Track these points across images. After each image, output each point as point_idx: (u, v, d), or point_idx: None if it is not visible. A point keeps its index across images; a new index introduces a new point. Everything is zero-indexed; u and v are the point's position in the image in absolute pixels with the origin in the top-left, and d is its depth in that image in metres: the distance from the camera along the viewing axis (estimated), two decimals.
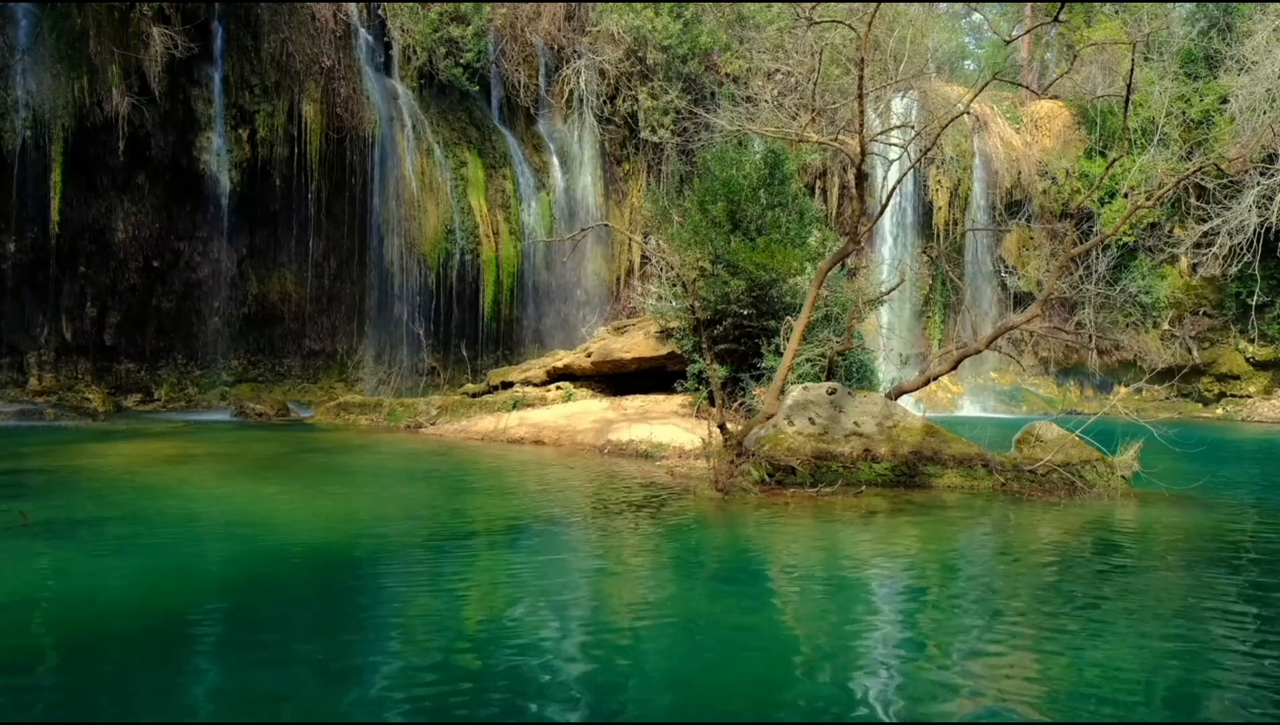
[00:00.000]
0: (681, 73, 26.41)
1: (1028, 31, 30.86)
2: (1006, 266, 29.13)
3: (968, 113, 25.80)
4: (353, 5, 23.97)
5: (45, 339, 21.47)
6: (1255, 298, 26.21)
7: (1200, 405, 27.89)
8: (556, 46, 26.60)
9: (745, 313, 16.10)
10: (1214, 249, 25.24)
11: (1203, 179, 24.64)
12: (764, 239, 16.28)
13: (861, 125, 10.84)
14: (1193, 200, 26.66)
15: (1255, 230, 24.66)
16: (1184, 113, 27.19)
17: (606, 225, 24.15)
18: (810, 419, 11.34)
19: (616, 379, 19.07)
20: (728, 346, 16.22)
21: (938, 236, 28.97)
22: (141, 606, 5.82)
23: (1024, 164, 28.73)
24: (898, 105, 27.52)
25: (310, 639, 5.36)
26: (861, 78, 10.56)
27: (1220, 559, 7.74)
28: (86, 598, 5.99)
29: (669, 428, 15.00)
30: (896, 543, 8.19)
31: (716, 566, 7.38)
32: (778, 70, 26.78)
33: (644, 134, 26.68)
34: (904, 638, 5.51)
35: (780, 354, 13.08)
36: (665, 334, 18.05)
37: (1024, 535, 8.78)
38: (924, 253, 28.35)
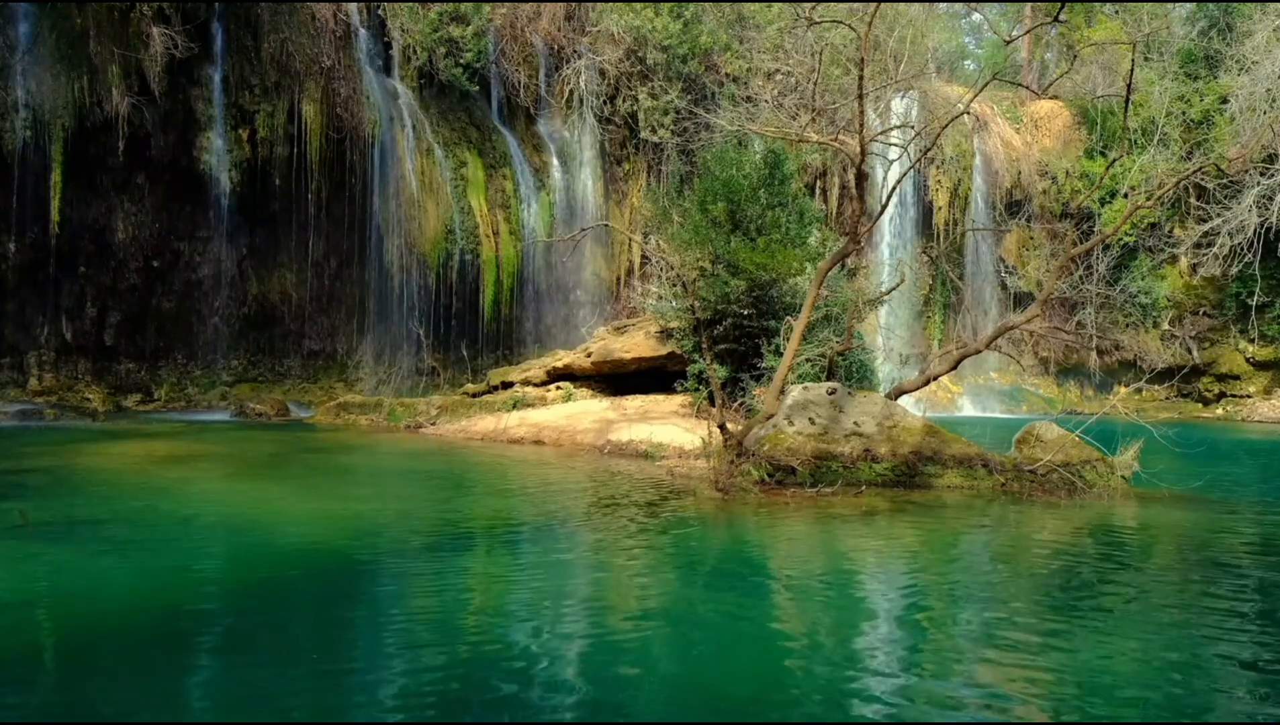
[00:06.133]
0: (681, 73, 26.39)
1: (1028, 31, 30.84)
2: (1006, 266, 29.12)
3: (968, 113, 25.79)
4: (353, 5, 23.96)
5: (45, 339, 21.47)
6: (1255, 298, 26.19)
7: (1200, 405, 27.87)
8: (556, 46, 26.58)
9: (745, 313, 16.09)
10: (1214, 249, 25.21)
11: (1203, 179, 24.63)
12: (764, 239, 16.27)
13: (861, 125, 10.84)
14: (1193, 200, 26.65)
15: (1255, 230, 24.64)
16: (1184, 113, 27.18)
17: (606, 225, 24.14)
18: (810, 419, 11.33)
19: (616, 379, 19.06)
20: (728, 346, 16.22)
21: (938, 236, 28.96)
22: (141, 606, 5.81)
23: (1024, 164, 28.73)
24: (898, 105, 27.51)
25: (309, 639, 5.36)
26: (861, 78, 10.56)
27: (1220, 559, 7.74)
28: (86, 598, 5.98)
29: (669, 428, 14.99)
30: (896, 543, 8.19)
31: (716, 566, 7.38)
32: (778, 70, 26.76)
33: (644, 134, 26.67)
34: (904, 638, 5.51)
35: (780, 354, 13.08)
36: (665, 334, 18.05)
37: (1024, 535, 8.78)
38: (924, 253, 28.34)
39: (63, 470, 11.52)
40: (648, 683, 4.66)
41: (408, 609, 5.87)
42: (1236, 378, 27.69)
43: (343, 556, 7.33)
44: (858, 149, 11.11)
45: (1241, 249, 25.00)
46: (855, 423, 11.32)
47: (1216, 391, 27.92)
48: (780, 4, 26.41)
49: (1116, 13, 31.21)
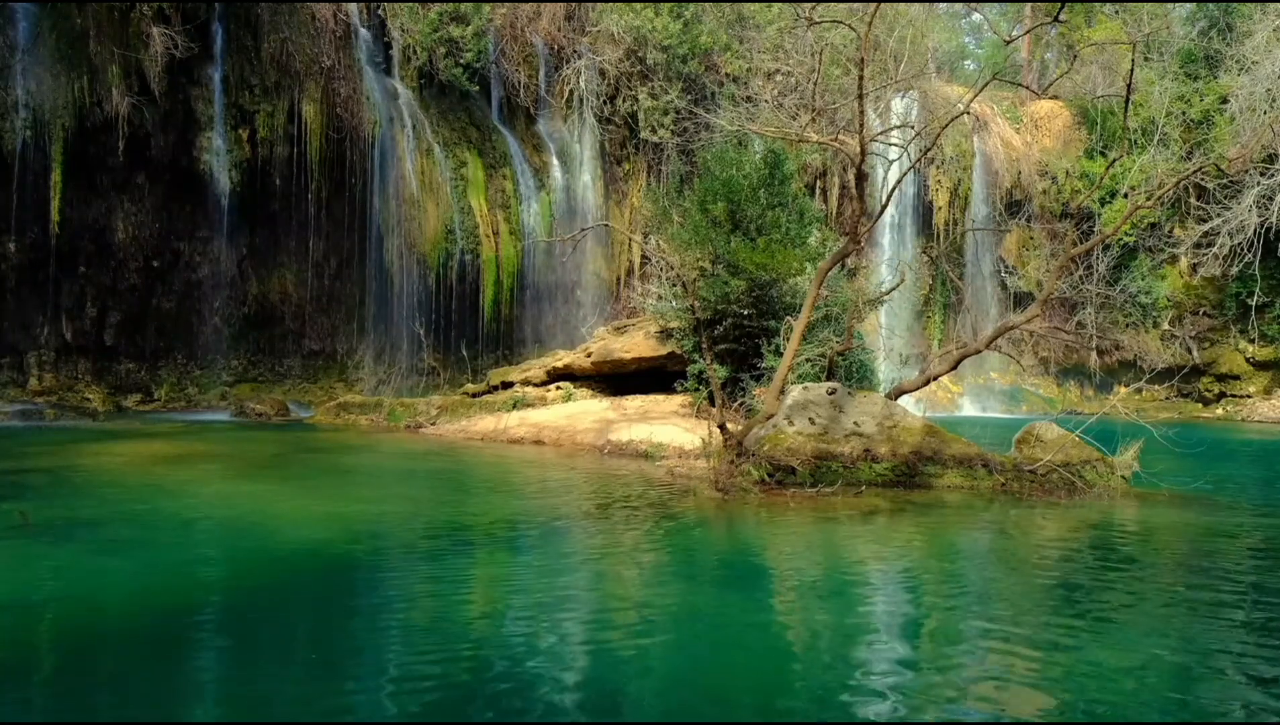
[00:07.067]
0: (681, 73, 26.40)
1: (1028, 31, 30.85)
2: (1006, 266, 29.12)
3: (968, 113, 25.80)
4: (353, 5, 23.96)
5: (45, 339, 21.47)
6: (1255, 298, 26.19)
7: (1200, 405, 27.87)
8: (556, 46, 26.58)
9: (745, 313, 16.09)
10: (1214, 249, 25.20)
11: (1203, 179, 24.63)
12: (764, 239, 16.27)
13: (861, 125, 10.84)
14: (1193, 200, 26.64)
15: (1255, 230, 24.63)
16: (1184, 113, 27.17)
17: (606, 225, 24.14)
18: (810, 419, 11.33)
19: (616, 379, 19.06)
20: (728, 346, 16.21)
21: (938, 236, 28.96)
22: (141, 606, 5.82)
23: (1024, 164, 28.73)
24: (898, 105, 27.51)
25: (309, 639, 5.36)
26: (861, 78, 10.56)
27: (1220, 559, 7.74)
28: (86, 598, 5.99)
29: (669, 428, 14.99)
30: (896, 543, 8.19)
31: (716, 566, 7.38)
32: (778, 70, 26.77)
33: (644, 134, 26.67)
34: (904, 638, 5.51)
35: (780, 354, 13.08)
36: (665, 334, 18.05)
37: (1024, 535, 8.79)
38: (924, 253, 28.35)
39: (63, 470, 11.52)
40: (648, 683, 4.66)
41: (408, 609, 5.87)
42: (1236, 378, 27.69)
43: (344, 557, 7.33)
44: (858, 149, 11.10)
45: (1241, 249, 24.99)
46: (855, 423, 11.33)
47: (1216, 391, 27.92)
48: (780, 4, 26.41)
49: (1116, 13, 31.20)
